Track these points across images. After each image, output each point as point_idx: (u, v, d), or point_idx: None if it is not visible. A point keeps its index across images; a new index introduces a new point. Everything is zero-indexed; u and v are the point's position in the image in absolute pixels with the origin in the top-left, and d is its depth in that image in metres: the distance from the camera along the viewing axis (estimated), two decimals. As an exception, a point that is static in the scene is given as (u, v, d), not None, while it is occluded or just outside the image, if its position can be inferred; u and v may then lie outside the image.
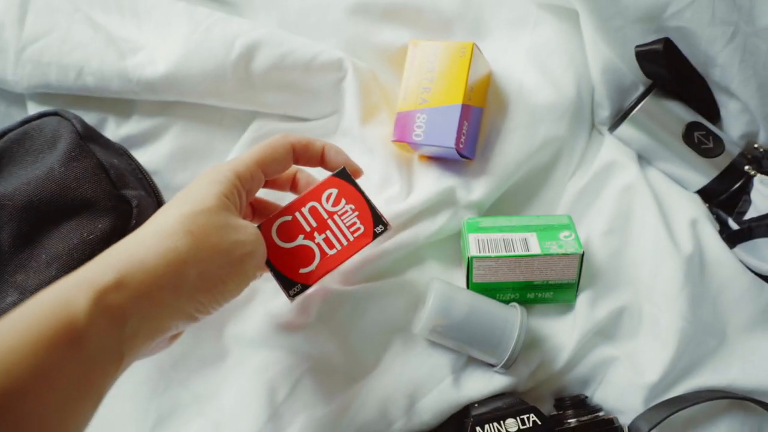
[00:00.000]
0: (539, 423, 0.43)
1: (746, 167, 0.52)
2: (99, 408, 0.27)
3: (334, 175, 0.42)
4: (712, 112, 0.53)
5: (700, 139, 0.52)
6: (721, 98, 0.52)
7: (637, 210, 0.52)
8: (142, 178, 0.51)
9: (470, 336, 0.45)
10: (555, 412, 0.47)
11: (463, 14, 0.56)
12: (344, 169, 0.42)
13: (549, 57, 0.54)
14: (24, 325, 0.25)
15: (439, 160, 0.53)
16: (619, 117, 0.54)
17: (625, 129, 0.53)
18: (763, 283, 0.50)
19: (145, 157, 0.53)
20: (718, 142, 0.52)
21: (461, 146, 0.49)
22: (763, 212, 0.50)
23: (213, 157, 0.55)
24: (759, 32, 0.47)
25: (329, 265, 0.41)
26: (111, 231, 0.44)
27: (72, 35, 0.52)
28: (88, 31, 0.53)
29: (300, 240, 0.41)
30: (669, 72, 0.50)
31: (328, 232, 0.41)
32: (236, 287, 0.35)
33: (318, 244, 0.41)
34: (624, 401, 0.48)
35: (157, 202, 0.51)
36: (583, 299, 0.49)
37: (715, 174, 0.52)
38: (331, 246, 0.41)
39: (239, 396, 0.47)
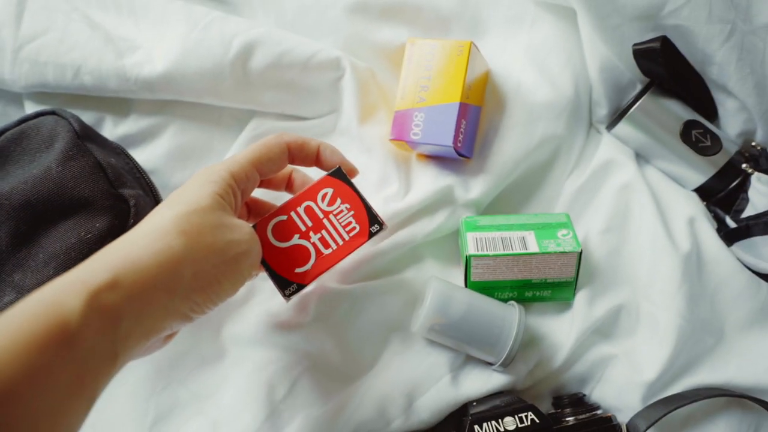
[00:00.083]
0: (537, 421, 0.43)
1: (744, 165, 0.52)
2: (93, 408, 0.27)
3: (329, 175, 0.42)
4: (710, 111, 0.53)
5: (698, 138, 0.52)
6: (718, 96, 0.52)
7: (634, 208, 0.52)
8: (139, 177, 0.51)
9: (468, 334, 0.45)
10: (553, 411, 0.47)
11: (461, 13, 0.56)
12: (340, 168, 0.42)
13: (547, 55, 0.54)
14: (16, 326, 0.25)
15: (437, 159, 0.53)
16: (617, 115, 0.54)
17: (622, 127, 0.53)
18: (761, 281, 0.50)
19: (143, 156, 0.53)
20: (716, 140, 0.52)
21: (459, 145, 0.49)
22: (761, 210, 0.50)
23: (211, 156, 0.55)
24: (756, 30, 0.47)
25: (325, 264, 0.41)
26: (108, 230, 0.44)
27: (69, 34, 0.52)
28: (85, 30, 0.53)
29: (295, 239, 0.41)
30: (666, 70, 0.50)
31: (324, 232, 0.41)
32: (231, 287, 0.35)
33: (313, 244, 0.41)
34: (622, 399, 0.48)
35: (155, 201, 0.51)
36: (581, 297, 0.49)
37: (712, 172, 0.52)
38: (326, 245, 0.41)
39: (238, 395, 0.47)
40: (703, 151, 0.52)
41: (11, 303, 0.42)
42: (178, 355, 0.48)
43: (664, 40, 0.49)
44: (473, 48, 0.50)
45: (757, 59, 0.48)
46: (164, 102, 0.54)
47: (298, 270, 0.41)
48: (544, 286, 0.48)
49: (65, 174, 0.44)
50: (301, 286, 0.41)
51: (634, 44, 0.51)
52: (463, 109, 0.49)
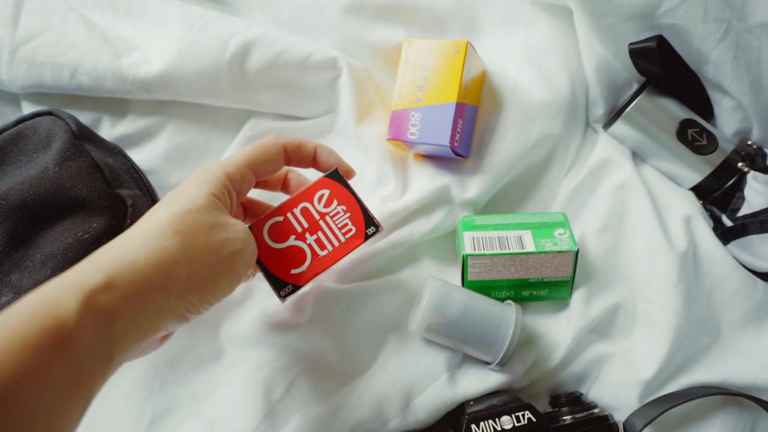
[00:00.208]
0: (534, 420, 0.43)
1: (740, 164, 0.52)
2: (89, 409, 0.27)
3: (326, 176, 0.42)
4: (706, 110, 0.53)
5: (694, 137, 0.52)
6: (714, 95, 0.52)
7: (631, 207, 0.52)
8: (137, 177, 0.51)
9: (465, 334, 0.45)
10: (550, 410, 0.47)
11: (457, 12, 0.56)
12: (336, 170, 0.42)
13: (543, 55, 0.54)
14: (12, 327, 0.25)
15: (434, 159, 0.53)
16: (614, 115, 0.54)
17: (619, 126, 0.53)
18: (757, 279, 0.50)
19: (140, 156, 0.53)
20: (712, 139, 0.52)
21: (456, 144, 0.49)
22: (757, 209, 0.50)
23: (208, 157, 0.55)
24: (751, 29, 0.47)
25: (320, 266, 0.41)
26: (106, 230, 0.44)
27: (66, 34, 0.52)
28: (82, 31, 0.53)
29: (291, 241, 0.41)
30: (662, 69, 0.50)
31: (320, 233, 0.41)
32: (227, 286, 0.35)
33: (309, 245, 0.41)
34: (619, 398, 0.48)
35: (152, 201, 0.51)
36: (577, 297, 0.49)
37: (708, 171, 0.52)
38: (322, 247, 0.41)
39: (235, 395, 0.47)
40: (699, 150, 0.52)
41: (8, 303, 0.42)
42: (175, 355, 0.48)
43: (660, 40, 0.49)
44: (470, 48, 0.50)
45: (753, 58, 0.48)
46: (161, 102, 0.54)
47: (293, 271, 0.41)
48: (541, 286, 0.48)
49: (62, 174, 0.44)
50: (296, 287, 0.41)
51: (630, 43, 0.51)
52: (460, 108, 0.49)
